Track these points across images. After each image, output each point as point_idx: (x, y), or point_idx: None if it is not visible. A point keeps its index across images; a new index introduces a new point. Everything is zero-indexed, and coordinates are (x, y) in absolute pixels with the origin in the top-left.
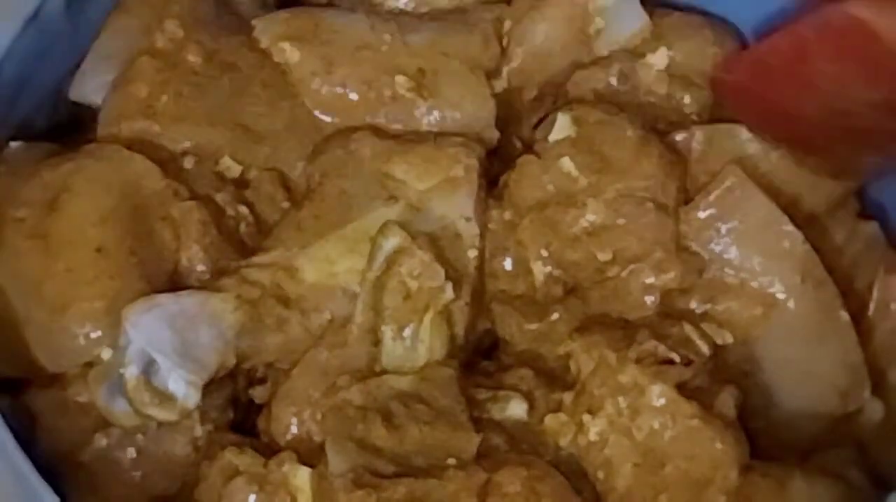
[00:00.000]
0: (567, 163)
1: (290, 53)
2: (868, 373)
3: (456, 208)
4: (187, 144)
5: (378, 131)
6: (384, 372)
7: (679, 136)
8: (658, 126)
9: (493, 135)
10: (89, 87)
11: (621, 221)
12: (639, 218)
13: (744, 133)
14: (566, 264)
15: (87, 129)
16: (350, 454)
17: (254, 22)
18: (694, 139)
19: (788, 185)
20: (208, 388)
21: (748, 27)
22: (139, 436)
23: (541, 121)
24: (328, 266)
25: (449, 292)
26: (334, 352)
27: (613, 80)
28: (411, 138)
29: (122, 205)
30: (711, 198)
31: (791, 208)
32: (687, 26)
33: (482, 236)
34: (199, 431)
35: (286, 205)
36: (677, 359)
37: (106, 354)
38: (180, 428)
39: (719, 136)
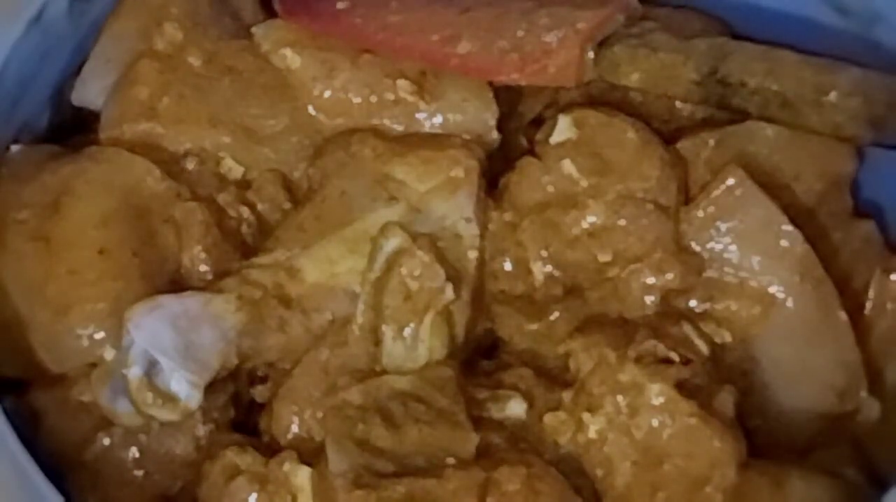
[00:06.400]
0: (568, 166)
1: (290, 59)
2: (865, 372)
3: (456, 209)
4: (189, 146)
5: (378, 132)
6: (384, 372)
7: (688, 142)
8: (659, 127)
9: (495, 136)
10: (91, 92)
11: (622, 222)
12: (639, 219)
13: (752, 132)
14: (566, 265)
15: (90, 130)
16: (350, 453)
17: (253, 29)
18: (704, 144)
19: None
20: (210, 388)
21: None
22: (142, 436)
23: (535, 119)
24: (329, 266)
25: (449, 293)
26: (335, 351)
27: None
28: (412, 139)
29: (123, 207)
30: (712, 197)
31: (787, 197)
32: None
33: (482, 237)
34: (201, 431)
35: (287, 206)
36: (676, 358)
37: (109, 355)
38: (182, 428)
39: (728, 138)
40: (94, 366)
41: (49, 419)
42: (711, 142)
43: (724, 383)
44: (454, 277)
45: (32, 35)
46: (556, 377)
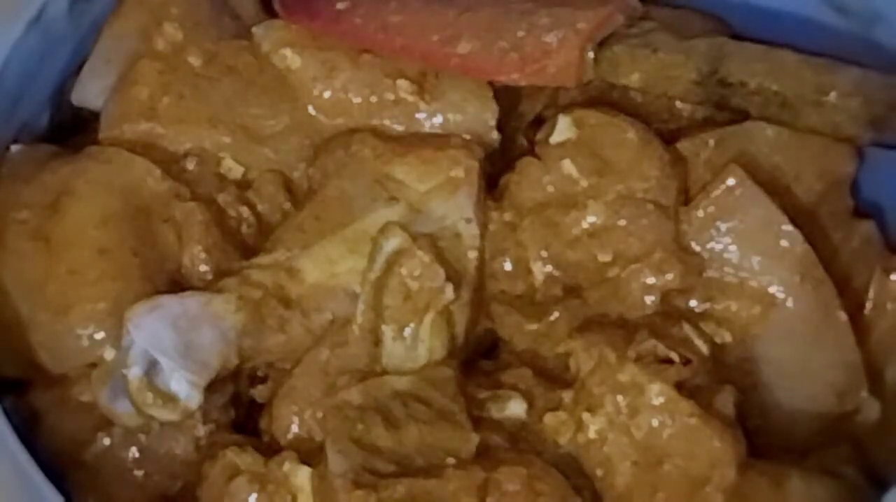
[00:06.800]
0: (568, 166)
1: (290, 59)
2: (865, 372)
3: (456, 209)
4: (189, 146)
5: (378, 132)
6: (384, 372)
7: (688, 142)
8: (658, 127)
9: (495, 136)
10: (91, 92)
11: (622, 222)
12: (639, 219)
13: (752, 132)
14: (566, 265)
15: (90, 131)
16: (350, 454)
17: (253, 29)
18: (704, 144)
19: (785, 176)
20: (210, 388)
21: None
22: (142, 436)
23: (535, 119)
24: (329, 266)
25: (449, 293)
26: (335, 351)
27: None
28: (412, 139)
29: (123, 207)
30: (712, 197)
31: (787, 197)
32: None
33: (482, 237)
34: (201, 431)
35: (287, 206)
36: (676, 358)
37: (109, 355)
38: (182, 428)
39: (728, 138)
40: (94, 366)
41: (49, 419)
42: (711, 142)
43: (724, 383)
44: (454, 277)
45: (32, 35)
46: (556, 377)
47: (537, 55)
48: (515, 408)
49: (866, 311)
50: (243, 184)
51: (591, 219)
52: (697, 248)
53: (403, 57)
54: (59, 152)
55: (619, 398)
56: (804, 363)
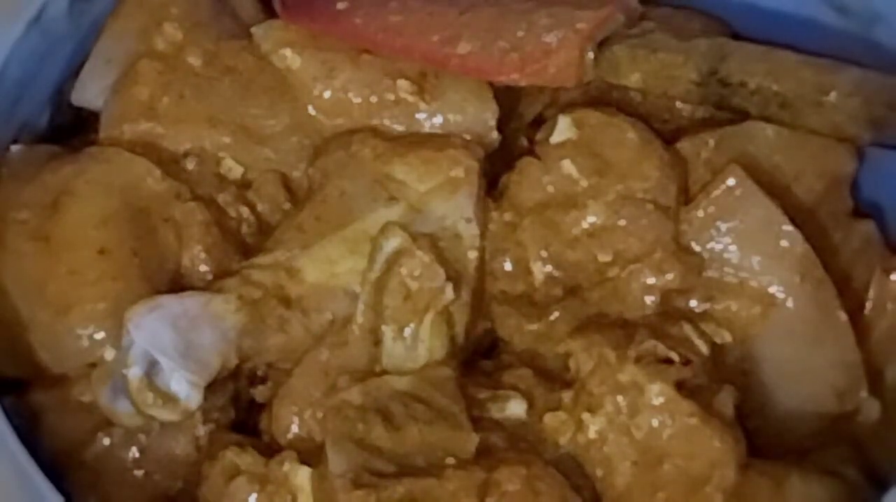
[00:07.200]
0: (568, 166)
1: (290, 59)
2: (865, 372)
3: (456, 209)
4: (189, 146)
5: (378, 132)
6: (384, 372)
7: (688, 142)
8: (659, 127)
9: (495, 136)
10: (91, 92)
11: (622, 223)
12: (639, 219)
13: (752, 132)
14: (566, 265)
15: (90, 131)
16: (350, 454)
17: (253, 29)
18: (704, 144)
19: (785, 176)
20: (210, 388)
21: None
22: (142, 436)
23: (535, 119)
24: (329, 266)
25: (449, 293)
26: (335, 352)
27: None
28: (412, 139)
29: (123, 207)
30: (712, 197)
31: (787, 197)
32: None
33: (482, 237)
34: (201, 431)
35: (287, 206)
36: (676, 358)
37: (109, 355)
38: (182, 428)
39: (728, 138)
40: (94, 366)
41: (49, 419)
42: (711, 142)
43: (724, 383)
44: (454, 277)
45: (32, 35)
46: (556, 377)
47: (537, 55)
48: (515, 408)
49: (866, 311)
50: (243, 184)
51: (591, 219)
52: (697, 248)
53: (403, 57)
54: (59, 152)
55: (619, 398)
56: (804, 363)
